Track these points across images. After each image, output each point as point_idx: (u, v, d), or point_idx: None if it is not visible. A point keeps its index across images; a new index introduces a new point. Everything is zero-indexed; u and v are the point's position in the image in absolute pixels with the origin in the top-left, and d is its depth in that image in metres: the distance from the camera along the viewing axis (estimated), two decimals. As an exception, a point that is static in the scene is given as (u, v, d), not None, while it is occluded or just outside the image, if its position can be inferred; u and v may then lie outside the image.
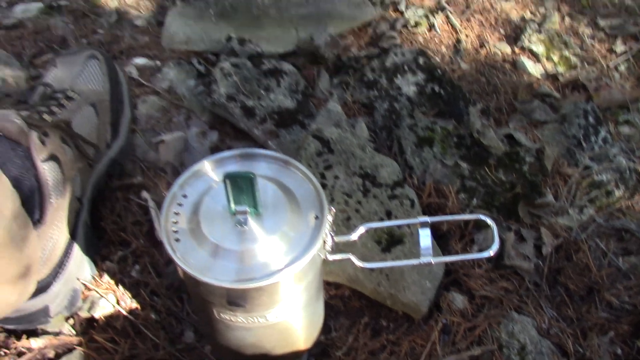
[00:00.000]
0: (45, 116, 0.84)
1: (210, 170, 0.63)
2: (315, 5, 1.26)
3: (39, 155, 0.77)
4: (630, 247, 0.96)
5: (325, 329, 0.86)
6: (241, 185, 0.56)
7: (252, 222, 0.57)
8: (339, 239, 0.64)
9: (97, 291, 0.85)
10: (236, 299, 0.57)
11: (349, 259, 0.64)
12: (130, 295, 0.86)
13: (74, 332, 0.83)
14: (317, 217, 0.59)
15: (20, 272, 0.72)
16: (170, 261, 0.89)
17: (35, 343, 0.81)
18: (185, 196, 0.61)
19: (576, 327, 0.86)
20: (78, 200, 0.86)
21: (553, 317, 0.87)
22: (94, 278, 0.87)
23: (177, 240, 0.58)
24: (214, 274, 0.55)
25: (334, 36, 1.24)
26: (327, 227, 0.59)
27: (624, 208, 1.01)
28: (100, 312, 0.84)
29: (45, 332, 0.82)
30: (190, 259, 0.56)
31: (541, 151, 1.04)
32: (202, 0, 1.26)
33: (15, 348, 0.80)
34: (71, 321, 0.84)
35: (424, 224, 0.64)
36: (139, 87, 1.15)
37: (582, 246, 0.93)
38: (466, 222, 0.94)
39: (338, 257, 0.63)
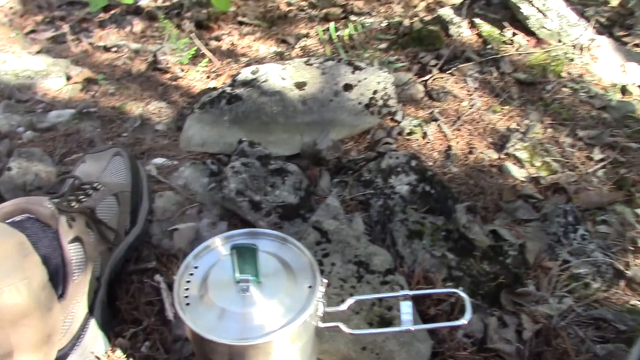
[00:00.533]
0: (73, 203, 0.95)
1: (220, 245, 0.73)
2: (319, 114, 1.40)
3: (66, 238, 0.87)
4: (607, 335, 1.02)
5: (320, 405, 0.92)
6: (245, 256, 0.65)
7: (253, 289, 0.66)
8: (330, 309, 0.72)
9: (109, 364, 0.93)
10: (236, 357, 0.65)
11: (339, 327, 0.72)
12: (139, 368, 0.93)
13: (85, 403, 0.89)
14: (310, 287, 0.68)
15: (43, 340, 0.80)
16: (177, 339, 0.97)
17: (50, 410, 0.87)
18: (196, 267, 0.71)
19: (556, 409, 0.91)
20: (97, 280, 0.96)
21: (534, 399, 0.93)
22: (106, 353, 0.94)
23: (188, 304, 0.67)
24: (218, 333, 0.63)
25: (336, 141, 1.37)
26: (319, 296, 0.68)
27: (601, 299, 1.09)
28: (112, 383, 0.90)
29: (59, 402, 0.89)
30: (198, 321, 0.65)
31: (523, 246, 1.13)
32: (218, 108, 1.41)
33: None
34: (84, 393, 0.91)
35: (405, 297, 0.72)
36: (157, 183, 1.27)
37: (561, 333, 1.00)
38: (452, 308, 1.01)
39: (329, 324, 0.72)
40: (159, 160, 1.34)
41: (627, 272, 1.13)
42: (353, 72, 1.46)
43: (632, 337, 1.01)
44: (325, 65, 1.47)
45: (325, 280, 0.70)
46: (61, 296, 0.85)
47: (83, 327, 0.90)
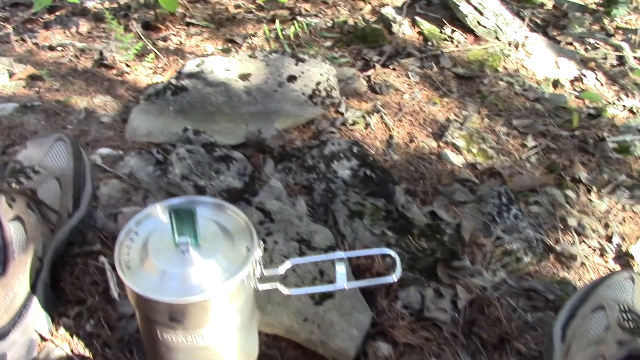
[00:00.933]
0: (14, 185, 0.96)
1: (160, 213, 0.75)
2: (263, 104, 1.43)
3: (6, 216, 0.88)
4: (538, 304, 1.08)
5: (263, 375, 0.94)
6: (183, 219, 0.67)
7: (192, 251, 0.68)
8: (268, 272, 0.75)
9: (52, 341, 0.93)
10: (176, 315, 0.67)
11: (277, 288, 0.74)
12: (83, 344, 0.94)
13: (29, 379, 0.90)
14: (247, 249, 0.71)
15: (-17, 316, 0.80)
16: (122, 317, 0.98)
17: (-8, 387, 0.87)
18: (137, 233, 0.73)
19: (489, 372, 0.96)
20: (39, 260, 0.96)
21: (468, 364, 0.98)
22: (50, 331, 0.95)
23: (129, 267, 0.69)
24: (158, 293, 0.65)
25: (280, 130, 1.41)
26: (256, 258, 0.71)
27: (532, 272, 1.15)
28: (55, 359, 0.91)
29: (1, 380, 0.89)
30: (139, 282, 0.67)
31: (459, 224, 1.19)
32: (163, 99, 1.42)
33: (-28, 392, 0.87)
34: (26, 370, 0.91)
35: (340, 259, 0.76)
36: (102, 172, 1.28)
37: (494, 302, 1.05)
38: (390, 284, 1.05)
39: (267, 286, 0.74)
40: (104, 151, 1.35)
41: (556, 247, 1.20)
42: (296, 64, 1.50)
43: (560, 305, 1.07)
44: (269, 57, 1.51)
45: (262, 243, 0.73)
46: (1, 273, 0.86)
47: (25, 305, 0.90)
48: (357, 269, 1.07)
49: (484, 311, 1.04)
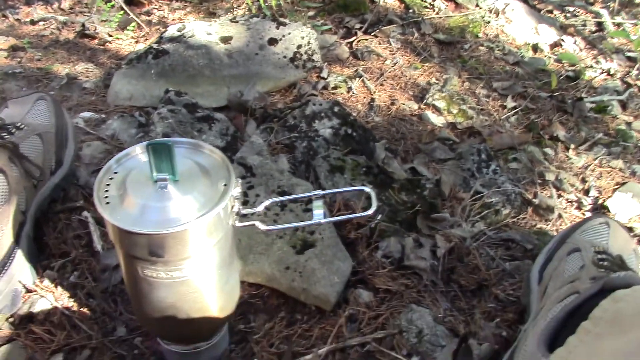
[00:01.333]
0: (-4, 140, 0.96)
1: (140, 153, 0.76)
2: (244, 67, 1.44)
3: None
4: (516, 254, 1.10)
5: (245, 321, 0.96)
6: (162, 155, 0.68)
7: (170, 187, 0.69)
8: (247, 210, 0.76)
9: (37, 292, 0.94)
10: (156, 248, 0.68)
11: (255, 225, 0.76)
12: (68, 295, 0.95)
13: (13, 327, 0.91)
14: (225, 185, 0.72)
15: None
16: (106, 269, 0.99)
17: (-23, 334, 0.88)
18: (116, 172, 0.74)
19: (467, 316, 0.98)
20: (22, 214, 0.97)
21: (447, 308, 0.99)
22: (34, 283, 0.96)
23: (107, 203, 0.70)
24: (137, 226, 0.66)
25: (261, 93, 1.42)
26: (234, 194, 0.72)
27: (510, 224, 1.17)
28: (39, 309, 0.92)
29: (-13, 329, 0.90)
30: (118, 217, 0.68)
31: (439, 179, 1.20)
32: (144, 63, 1.43)
33: (-43, 339, 0.88)
34: (11, 320, 0.92)
35: (318, 197, 0.77)
36: (85, 134, 1.28)
37: (473, 251, 1.07)
38: (371, 232, 1.07)
39: (246, 223, 0.76)
40: (86, 114, 1.35)
41: (534, 200, 1.22)
42: (277, 28, 1.51)
43: (537, 254, 1.09)
44: (250, 21, 1.51)
45: (240, 180, 0.74)
46: (-16, 224, 0.87)
47: (8, 256, 0.91)
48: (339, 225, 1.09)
49: (463, 259, 1.06)
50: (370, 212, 0.75)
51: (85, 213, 1.06)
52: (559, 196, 1.26)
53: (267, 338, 0.92)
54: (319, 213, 0.76)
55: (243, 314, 0.97)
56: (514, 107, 1.51)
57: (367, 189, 0.78)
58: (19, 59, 1.67)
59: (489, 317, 0.98)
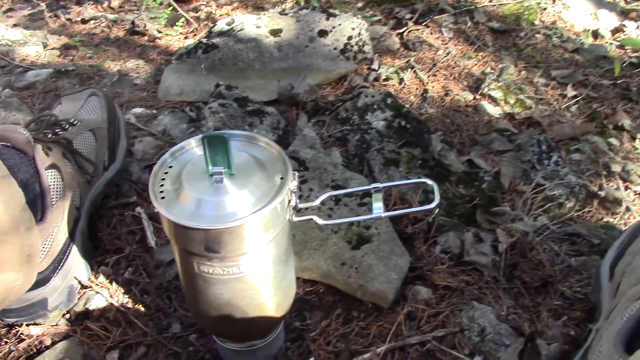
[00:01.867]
0: (50, 135, 0.96)
1: (194, 147, 0.75)
2: (295, 60, 1.41)
3: (43, 164, 0.88)
4: (582, 249, 1.05)
5: (301, 318, 0.93)
6: (217, 148, 0.66)
7: (226, 181, 0.67)
8: (304, 204, 0.74)
9: (92, 288, 0.94)
10: (212, 244, 0.66)
11: (312, 219, 0.73)
12: (122, 291, 0.94)
13: (69, 324, 0.91)
14: (282, 178, 0.70)
15: (23, 259, 0.81)
16: (160, 264, 0.98)
17: (34, 330, 0.88)
18: (171, 166, 0.72)
19: (532, 314, 0.94)
20: (77, 210, 0.97)
21: (511, 306, 0.95)
22: (89, 279, 0.96)
23: (163, 197, 0.68)
24: (193, 221, 0.64)
25: (312, 85, 1.39)
26: (291, 188, 0.69)
27: (575, 217, 1.11)
28: (95, 305, 0.92)
29: (43, 325, 0.90)
30: (173, 211, 0.66)
31: (498, 172, 1.16)
32: (194, 58, 1.42)
33: (15, 335, 0.88)
34: (67, 316, 0.92)
35: (377, 190, 0.74)
36: (137, 130, 1.28)
37: (536, 246, 1.02)
38: (429, 226, 1.03)
39: (303, 217, 0.73)
40: (137, 110, 1.35)
41: (600, 192, 1.16)
42: (327, 19, 1.48)
43: (605, 249, 1.04)
44: (299, 13, 1.49)
45: (297, 174, 0.71)
46: (40, 220, 0.86)
47: (64, 252, 0.91)
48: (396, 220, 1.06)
49: (526, 255, 1.01)
50: (433, 205, 0.71)
51: (138, 209, 1.05)
52: (626, 188, 1.20)
53: (324, 336, 0.89)
54: (379, 207, 0.73)
55: (298, 311, 0.95)
56: (575, 96, 1.45)
57: (429, 181, 0.74)
58: (71, 57, 1.68)
59: (555, 315, 0.93)
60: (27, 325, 0.89)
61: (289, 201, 0.70)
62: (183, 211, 0.66)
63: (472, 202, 1.09)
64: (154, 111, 1.35)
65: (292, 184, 0.70)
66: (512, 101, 1.42)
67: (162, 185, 0.70)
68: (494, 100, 1.43)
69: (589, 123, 1.36)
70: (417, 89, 1.48)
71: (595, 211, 1.13)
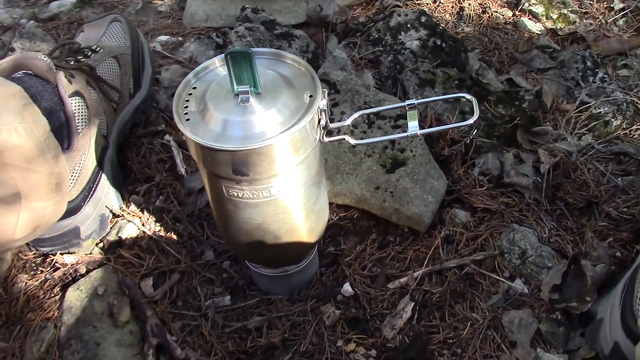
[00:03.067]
0: (72, 62, 0.93)
1: (219, 66, 0.71)
2: (323, -21, 1.35)
3: (66, 91, 0.86)
4: (629, 168, 1.00)
5: (335, 243, 0.92)
6: (242, 65, 0.63)
7: (252, 100, 0.64)
8: (335, 125, 0.70)
9: (124, 216, 0.93)
10: (240, 166, 0.63)
11: (344, 139, 0.70)
12: (154, 219, 0.93)
13: (103, 252, 0.90)
14: (311, 96, 0.66)
15: (51, 187, 0.79)
16: (190, 192, 0.97)
17: (69, 259, 0.88)
18: (195, 87, 0.69)
19: (576, 235, 0.90)
20: (104, 138, 0.95)
21: (553, 228, 0.91)
22: (121, 208, 0.95)
23: (188, 120, 0.65)
24: (220, 142, 0.62)
25: (342, 6, 1.33)
26: (321, 106, 0.66)
27: (622, 136, 1.05)
28: (127, 233, 0.91)
29: (77, 255, 0.90)
30: (199, 133, 0.63)
31: (540, 91, 1.10)
32: (219, -18, 1.36)
33: (50, 264, 0.88)
34: (100, 245, 0.92)
35: (412, 107, 0.70)
36: (163, 58, 1.25)
37: (581, 166, 0.97)
38: (466, 148, 0.99)
39: (334, 138, 0.70)
40: (163, 38, 1.32)
41: (649, 109, 1.10)
42: None
43: (654, 167, 0.99)
44: None
45: (327, 91, 0.68)
46: (67, 148, 0.85)
47: (94, 180, 0.90)
48: (429, 137, 1.01)
49: (570, 175, 0.96)
50: (472, 120, 0.67)
51: (167, 137, 1.03)
52: (678, 105, 1.13)
53: (359, 261, 0.87)
54: (414, 124, 0.69)
55: (332, 236, 0.93)
56: (622, 9, 1.35)
57: (467, 95, 0.70)
58: (94, -13, 1.64)
59: (600, 237, 0.89)
60: (62, 254, 0.89)
61: (319, 120, 0.67)
62: (209, 133, 0.63)
63: (512, 122, 1.04)
64: (180, 38, 1.31)
65: (322, 102, 0.66)
66: (554, 16, 1.33)
67: (186, 107, 0.67)
68: (534, 16, 1.35)
69: (637, 37, 1.27)
70: (452, 7, 1.41)
71: (644, 129, 1.07)
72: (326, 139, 0.69)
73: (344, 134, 0.77)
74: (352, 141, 0.70)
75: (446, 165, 0.98)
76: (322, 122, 0.67)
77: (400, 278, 0.85)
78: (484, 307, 0.82)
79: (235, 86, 0.64)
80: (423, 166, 0.94)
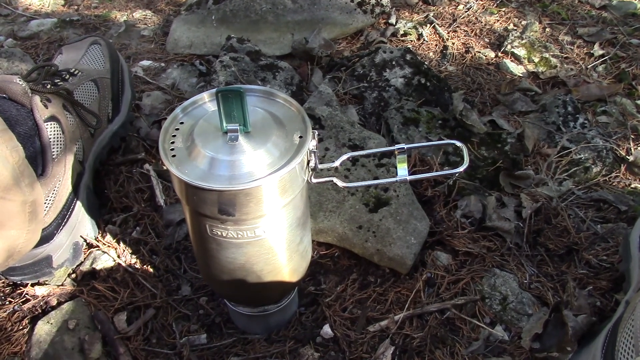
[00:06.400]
0: (49, 86, 0.91)
1: (207, 102, 0.70)
2: (309, 12, 1.35)
3: (42, 116, 0.83)
4: (608, 216, 1.00)
5: (315, 282, 0.90)
6: (232, 103, 0.61)
7: (241, 139, 0.63)
8: (323, 166, 0.69)
9: (99, 247, 0.90)
10: (226, 206, 0.62)
11: (332, 181, 0.69)
12: (130, 251, 0.91)
13: (75, 284, 0.87)
14: (301, 137, 0.65)
15: (27, 216, 0.77)
16: (169, 224, 0.95)
17: (40, 291, 0.85)
18: (182, 122, 0.67)
19: (556, 282, 0.90)
20: (80, 164, 0.92)
21: (534, 274, 0.91)
22: (96, 238, 0.92)
23: (174, 156, 0.63)
24: (207, 181, 0.60)
25: (328, 40, 1.33)
26: (311, 148, 0.65)
27: (602, 182, 1.06)
28: (102, 265, 0.88)
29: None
30: (185, 170, 0.61)
31: (522, 134, 1.10)
32: (204, 9, 1.35)
33: (20, 295, 0.85)
34: (73, 276, 0.89)
35: (401, 152, 0.69)
36: (145, 84, 1.23)
37: (562, 212, 0.98)
38: (449, 189, 0.99)
39: (322, 180, 0.69)
40: (145, 63, 1.30)
41: (628, 157, 1.11)
42: (344, -31, 1.41)
43: (633, 216, 0.99)
44: (315, -37, 1.42)
45: (317, 132, 0.67)
46: (42, 174, 0.82)
47: (68, 207, 0.87)
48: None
49: (551, 221, 0.97)
50: (462, 168, 0.66)
51: (147, 166, 1.01)
52: (655, 153, 1.15)
53: (339, 302, 0.86)
54: (403, 169, 0.68)
55: (312, 274, 0.91)
56: (602, 55, 1.38)
57: (458, 143, 0.70)
58: (76, 7, 1.62)
59: (580, 285, 0.89)
60: (32, 285, 0.86)
61: (308, 162, 0.66)
62: (195, 170, 0.62)
63: (495, 164, 1.04)
64: (162, 64, 1.29)
65: (312, 143, 0.65)
66: (536, 59, 1.35)
67: (172, 142, 0.65)
68: (517, 59, 1.36)
69: (616, 84, 1.29)
70: (436, 45, 1.42)
71: (622, 176, 1.09)
72: (314, 180, 0.68)
73: (332, 173, 0.76)
74: (341, 184, 0.69)
75: (429, 206, 0.98)
76: (311, 164, 0.66)
77: (380, 321, 0.83)
78: (464, 354, 0.81)
79: (224, 124, 0.63)
80: (406, 207, 0.93)
